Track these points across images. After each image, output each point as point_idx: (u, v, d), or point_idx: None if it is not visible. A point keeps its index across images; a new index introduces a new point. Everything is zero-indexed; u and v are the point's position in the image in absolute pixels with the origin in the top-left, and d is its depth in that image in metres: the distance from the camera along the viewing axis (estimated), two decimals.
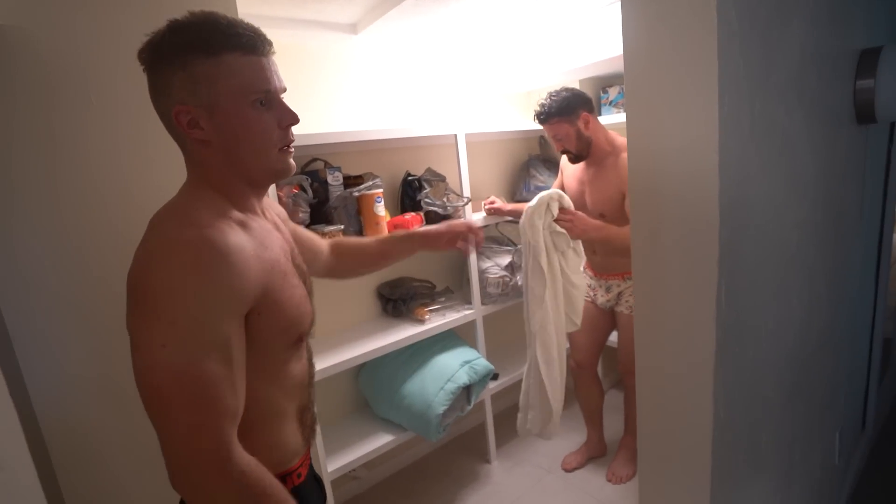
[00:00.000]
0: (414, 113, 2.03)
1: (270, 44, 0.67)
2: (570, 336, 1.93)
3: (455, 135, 1.77)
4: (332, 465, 1.59)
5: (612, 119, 2.08)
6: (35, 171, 1.01)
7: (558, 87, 1.69)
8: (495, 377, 2.07)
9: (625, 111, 0.78)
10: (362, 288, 1.95)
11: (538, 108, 1.68)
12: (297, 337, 0.75)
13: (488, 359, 1.97)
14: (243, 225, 0.68)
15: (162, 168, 1.13)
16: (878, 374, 2.01)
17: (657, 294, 0.80)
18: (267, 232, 0.73)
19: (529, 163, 2.31)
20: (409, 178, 1.87)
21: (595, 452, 2.06)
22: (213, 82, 0.62)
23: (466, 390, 1.85)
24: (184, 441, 0.56)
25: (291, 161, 0.72)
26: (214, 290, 0.58)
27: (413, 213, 1.76)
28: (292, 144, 0.72)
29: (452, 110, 2.16)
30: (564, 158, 1.92)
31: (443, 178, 1.87)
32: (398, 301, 1.92)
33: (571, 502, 1.82)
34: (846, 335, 1.49)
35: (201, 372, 0.57)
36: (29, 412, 1.02)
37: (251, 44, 0.64)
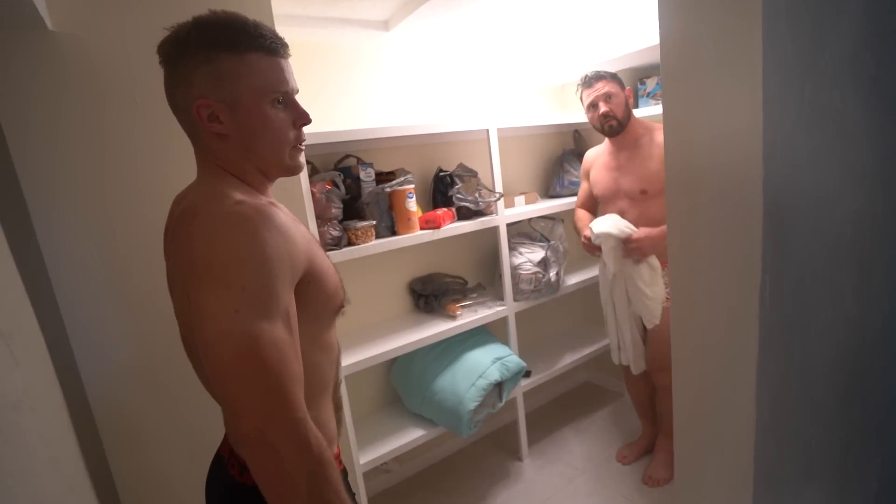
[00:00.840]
0: (446, 108, 2.02)
1: (288, 46, 0.70)
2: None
3: (487, 130, 1.76)
4: (364, 457, 1.61)
5: (650, 111, 2.01)
6: (84, 168, 1.06)
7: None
8: (527, 374, 2.04)
9: (661, 100, 0.75)
10: (394, 283, 1.97)
11: (591, 74, 1.73)
12: (339, 304, 0.78)
13: (521, 356, 1.95)
14: (273, 205, 0.69)
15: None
16: None
17: (695, 291, 0.76)
18: (290, 214, 0.75)
19: (563, 157, 2.26)
20: (441, 173, 1.86)
21: (651, 446, 2.01)
22: (237, 79, 0.64)
23: (498, 387, 1.83)
24: (261, 404, 0.56)
25: (302, 159, 0.75)
26: (277, 257, 0.60)
27: (445, 209, 1.76)
28: (303, 143, 0.75)
29: (484, 105, 2.14)
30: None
31: (475, 174, 1.86)
32: (430, 297, 1.93)
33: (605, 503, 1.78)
34: None
35: (273, 336, 0.57)
36: (82, 398, 1.09)
37: (273, 46, 0.67)
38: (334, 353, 0.80)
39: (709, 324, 0.75)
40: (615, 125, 1.70)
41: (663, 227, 1.63)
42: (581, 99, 1.76)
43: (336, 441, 0.83)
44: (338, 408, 0.85)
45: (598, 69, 1.73)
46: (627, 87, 1.71)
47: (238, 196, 0.63)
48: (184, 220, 0.64)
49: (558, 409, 2.46)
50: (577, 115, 2.28)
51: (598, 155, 1.87)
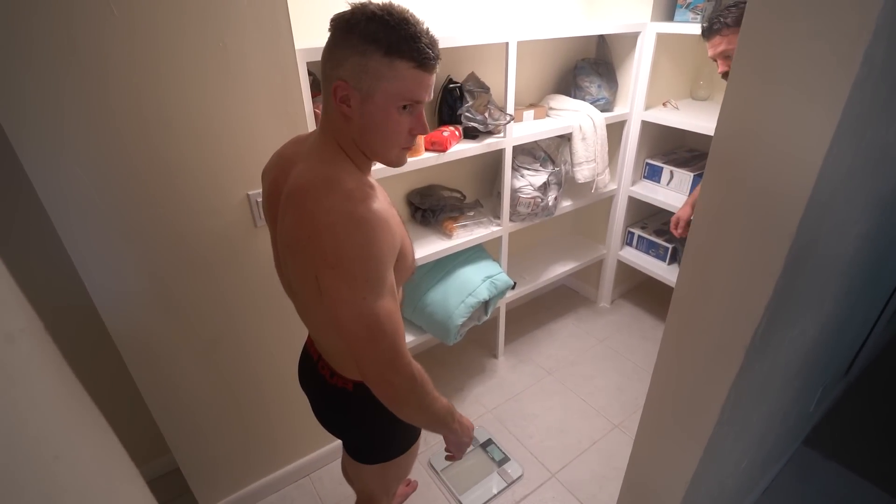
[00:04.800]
0: (460, 12, 1.76)
1: (438, 60, 0.75)
2: None
3: (506, 43, 1.58)
4: None
5: (684, 28, 1.82)
6: (62, 91, 0.95)
7: None
8: (513, 287, 2.17)
9: (728, 80, 0.69)
10: (392, 194, 1.94)
11: (706, 24, 1.46)
12: (411, 272, 0.95)
13: (508, 268, 2.04)
14: (374, 189, 0.80)
15: (191, 82, 1.07)
16: (885, 323, 2.07)
17: (707, 272, 0.80)
18: (384, 193, 0.85)
19: (577, 71, 2.07)
20: (451, 85, 1.72)
21: None
22: (378, 78, 0.72)
23: (485, 303, 1.96)
24: (382, 358, 0.75)
25: (406, 157, 0.85)
26: (387, 252, 0.75)
27: (451, 128, 1.67)
28: (411, 147, 0.83)
29: (502, 7, 1.87)
30: None
31: (487, 90, 1.72)
32: (427, 211, 1.93)
33: (564, 404, 2.06)
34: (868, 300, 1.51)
35: (388, 310, 0.75)
36: (98, 322, 1.14)
37: (424, 59, 0.72)
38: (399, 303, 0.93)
39: (713, 306, 0.81)
40: None
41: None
42: None
43: None
44: None
45: (720, 14, 1.41)
46: None
47: (352, 188, 0.74)
48: (303, 198, 0.75)
49: (534, 309, 2.67)
50: (606, 20, 2.05)
51: None
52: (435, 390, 0.85)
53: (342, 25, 0.72)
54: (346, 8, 0.74)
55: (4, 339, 0.27)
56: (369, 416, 0.98)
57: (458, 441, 0.96)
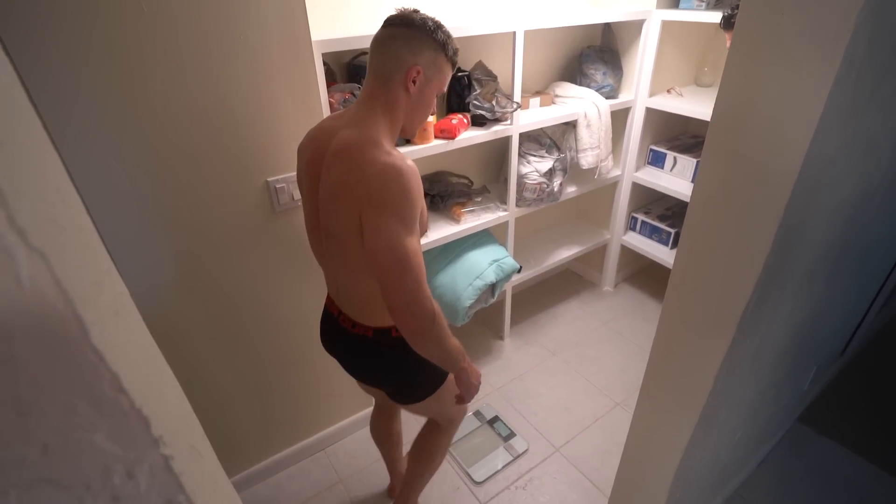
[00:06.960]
0: (468, 0, 1.80)
1: None
2: None
3: (514, 32, 1.62)
4: None
5: (689, 16, 1.85)
6: (96, 83, 1.01)
7: None
8: (519, 271, 2.23)
9: (725, 63, 0.74)
10: None
11: (727, 12, 1.48)
12: (424, 231, 1.08)
13: (514, 252, 2.10)
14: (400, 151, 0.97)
15: (215, 75, 1.13)
16: (880, 306, 2.12)
17: (703, 250, 0.86)
18: None
19: (583, 58, 2.10)
20: (460, 73, 1.76)
21: None
22: (438, 71, 1.00)
23: (492, 285, 2.02)
24: (408, 288, 0.89)
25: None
26: (418, 199, 0.92)
27: (459, 116, 1.72)
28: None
29: None
30: None
31: (494, 78, 1.77)
32: (436, 196, 1.98)
33: (568, 383, 2.14)
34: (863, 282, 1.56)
35: (415, 248, 0.90)
36: None
37: (456, 63, 1.02)
38: None
39: (710, 275, 0.87)
40: None
41: None
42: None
43: None
44: None
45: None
46: None
47: (387, 146, 0.94)
48: (351, 152, 0.93)
49: (539, 293, 2.73)
50: (612, 8, 2.07)
51: None
52: (449, 330, 0.98)
53: (420, 25, 0.95)
54: (405, 8, 0.97)
55: (122, 293, 0.33)
56: (396, 359, 1.10)
57: (467, 381, 1.07)
